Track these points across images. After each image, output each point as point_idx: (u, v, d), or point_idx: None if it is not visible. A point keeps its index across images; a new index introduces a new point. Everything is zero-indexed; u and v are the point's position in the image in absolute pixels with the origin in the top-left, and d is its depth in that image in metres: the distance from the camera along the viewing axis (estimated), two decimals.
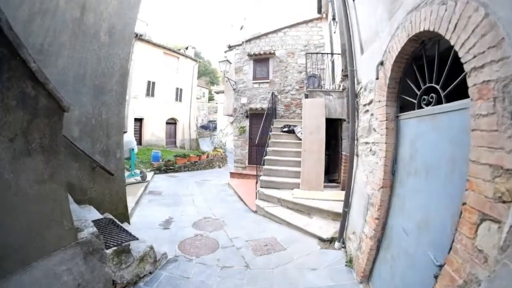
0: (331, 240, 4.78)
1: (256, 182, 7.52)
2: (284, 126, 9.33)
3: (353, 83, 4.30)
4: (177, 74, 24.36)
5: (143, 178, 10.19)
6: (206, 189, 10.25)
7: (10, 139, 2.14)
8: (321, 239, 4.87)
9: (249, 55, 11.96)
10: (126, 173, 9.54)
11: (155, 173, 12.91)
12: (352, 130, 4.19)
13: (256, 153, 8.76)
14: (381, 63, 3.23)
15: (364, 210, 3.65)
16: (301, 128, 8.42)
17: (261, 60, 11.96)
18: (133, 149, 10.06)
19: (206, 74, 52.44)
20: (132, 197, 7.58)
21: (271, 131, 9.35)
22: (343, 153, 6.80)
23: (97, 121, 4.67)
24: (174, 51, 24.38)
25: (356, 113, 4.20)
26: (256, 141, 7.82)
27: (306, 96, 7.27)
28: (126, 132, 10.44)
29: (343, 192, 6.31)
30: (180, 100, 24.85)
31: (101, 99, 4.74)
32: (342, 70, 7.00)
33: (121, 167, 5.27)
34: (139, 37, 20.24)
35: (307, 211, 5.79)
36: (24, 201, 2.30)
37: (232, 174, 11.70)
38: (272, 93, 10.91)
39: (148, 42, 21.85)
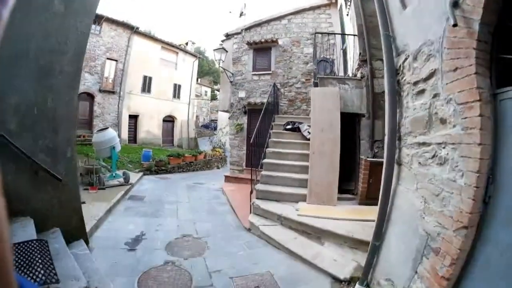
0: (349, 281, 3.37)
1: (251, 192, 6.08)
2: (288, 123, 7.86)
3: (391, 55, 2.86)
4: (175, 70, 23.31)
5: (126, 180, 8.95)
6: (196, 195, 8.86)
7: None
8: (336, 279, 3.46)
9: (249, 43, 10.53)
10: (107, 174, 8.60)
11: (144, 174, 11.69)
12: (392, 125, 2.73)
13: (255, 154, 7.41)
14: (455, 3, 1.81)
15: (415, 254, 2.23)
16: (308, 126, 7.01)
17: (262, 49, 10.52)
18: (114, 147, 8.84)
19: (210, 74, 51.89)
20: (105, 204, 6.52)
21: (271, 129, 7.90)
22: (362, 157, 5.40)
23: (40, 111, 3.73)
24: (172, 46, 23.28)
25: (398, 99, 2.76)
26: (251, 140, 6.36)
27: (316, 85, 5.88)
28: (107, 128, 9.43)
29: (363, 209, 5.03)
30: (179, 97, 23.78)
31: (47, 83, 3.78)
32: (360, 54, 5.71)
33: (73, 170, 4.23)
34: (135, 30, 19.57)
35: (316, 235, 4.32)
36: None
37: (227, 178, 10.25)
38: (274, 84, 9.43)
39: (145, 35, 21.02)
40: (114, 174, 8.82)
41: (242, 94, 10.67)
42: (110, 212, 6.29)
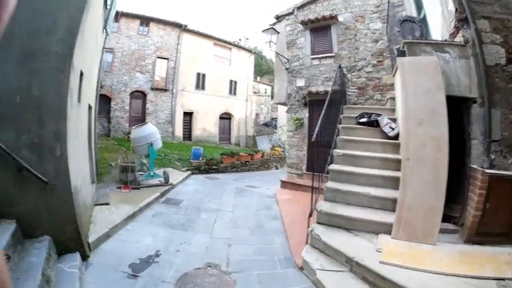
0: None
1: (310, 215, 4.21)
2: (362, 115, 5.84)
3: None
4: (230, 66, 22.64)
5: (166, 180, 8.13)
6: (244, 202, 7.49)
7: None
8: None
9: (303, 23, 8.77)
10: (144, 174, 8.00)
11: (192, 173, 10.86)
12: None
13: (318, 156, 5.71)
14: None
15: None
16: (390, 119, 5.16)
17: (319, 28, 8.69)
18: (151, 144, 8.06)
19: (270, 73, 51.69)
20: (129, 207, 5.74)
21: (340, 123, 6.05)
22: (474, 166, 3.49)
23: (24, 99, 3.35)
24: (225, 42, 22.65)
25: None
26: (314, 138, 4.52)
27: (402, 54, 4.05)
28: (146, 123, 8.70)
29: (476, 253, 3.07)
30: (235, 94, 23.09)
31: (32, 67, 3.39)
32: (456, 10, 3.85)
33: (64, 172, 3.57)
34: (184, 28, 19.63)
35: None
36: None
37: (284, 184, 8.63)
38: (339, 67, 7.56)
39: (195, 33, 20.72)
40: (152, 173, 8.12)
41: (300, 82, 8.90)
42: (133, 218, 5.45)
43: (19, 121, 3.39)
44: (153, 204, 6.47)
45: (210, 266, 3.73)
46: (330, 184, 4.46)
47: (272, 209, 6.80)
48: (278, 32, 9.04)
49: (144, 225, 5.25)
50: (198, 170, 11.44)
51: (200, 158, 12.10)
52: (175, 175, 9.50)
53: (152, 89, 18.61)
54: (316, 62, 8.62)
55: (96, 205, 5.68)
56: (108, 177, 8.16)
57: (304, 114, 8.81)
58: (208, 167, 11.88)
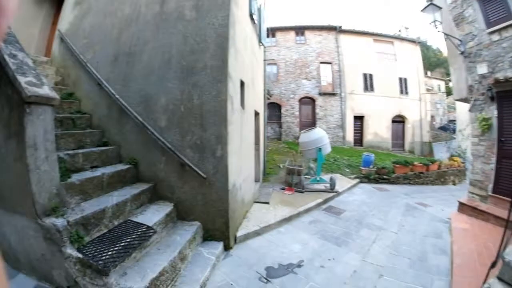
0: None
1: (493, 265, 2.93)
2: None
3: None
4: (395, 62, 20.45)
5: (332, 187, 8.07)
6: (411, 222, 6.35)
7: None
8: None
9: None
10: (311, 178, 8.26)
11: (360, 182, 10.45)
12: None
13: None
14: None
15: None
16: None
17: None
18: (320, 149, 8.18)
19: (439, 65, 45.18)
20: (287, 210, 5.93)
21: None
22: None
23: (186, 107, 4.17)
24: (385, 36, 20.80)
25: None
26: None
27: None
28: (314, 128, 9.07)
29: None
30: (406, 93, 20.56)
31: (191, 81, 4.19)
32: None
33: (223, 170, 4.09)
34: (339, 30, 19.56)
35: None
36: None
37: (462, 207, 6.60)
38: None
39: (352, 32, 20.14)
40: (318, 178, 8.20)
41: (482, 69, 6.63)
42: (288, 221, 5.60)
43: (183, 126, 4.13)
44: (313, 210, 6.45)
45: None
46: None
47: (442, 238, 5.45)
48: (440, 7, 7.29)
49: (298, 230, 5.24)
50: (367, 178, 10.86)
51: (371, 166, 11.46)
52: (342, 182, 9.33)
53: (320, 94, 19.30)
54: (495, 37, 6.24)
55: (256, 202, 6.13)
56: (274, 177, 8.67)
57: (492, 112, 6.46)
58: (379, 176, 11.05)
